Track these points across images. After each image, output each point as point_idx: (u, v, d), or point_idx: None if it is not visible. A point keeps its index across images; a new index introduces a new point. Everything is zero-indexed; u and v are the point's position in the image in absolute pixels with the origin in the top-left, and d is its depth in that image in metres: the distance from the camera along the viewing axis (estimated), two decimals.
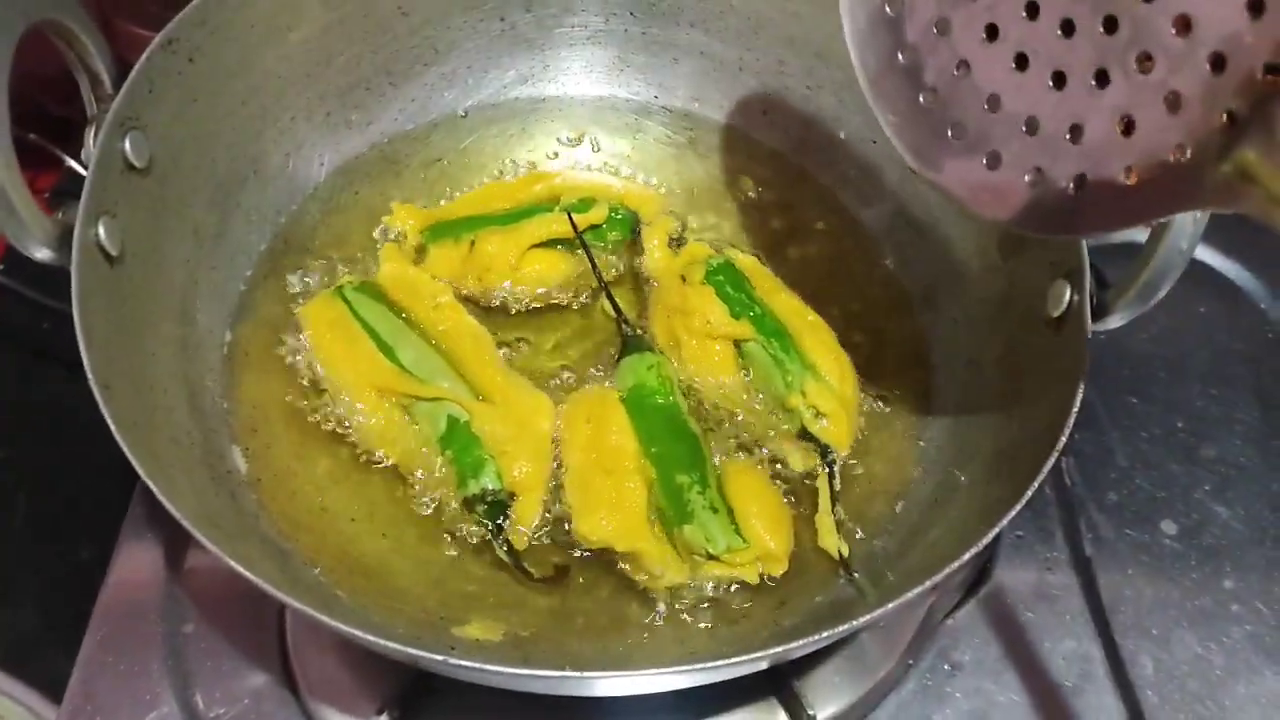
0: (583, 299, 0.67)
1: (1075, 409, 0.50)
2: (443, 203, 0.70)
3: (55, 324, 0.97)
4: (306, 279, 0.66)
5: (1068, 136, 0.45)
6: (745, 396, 0.63)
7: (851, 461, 0.62)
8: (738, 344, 0.64)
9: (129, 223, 0.54)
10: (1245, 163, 0.40)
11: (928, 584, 0.46)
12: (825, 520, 0.59)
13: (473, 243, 0.65)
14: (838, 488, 0.60)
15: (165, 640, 0.60)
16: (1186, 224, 0.49)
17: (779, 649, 0.44)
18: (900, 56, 0.51)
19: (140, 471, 0.45)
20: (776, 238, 0.71)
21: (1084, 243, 0.54)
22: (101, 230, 0.51)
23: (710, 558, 0.56)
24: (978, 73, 0.48)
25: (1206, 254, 0.84)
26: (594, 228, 0.67)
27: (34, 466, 0.89)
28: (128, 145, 0.54)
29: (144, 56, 0.55)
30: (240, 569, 0.43)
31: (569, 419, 0.60)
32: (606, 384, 0.63)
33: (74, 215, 0.50)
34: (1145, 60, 0.42)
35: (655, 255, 0.68)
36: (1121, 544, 0.69)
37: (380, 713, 0.56)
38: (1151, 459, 0.73)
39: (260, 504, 0.56)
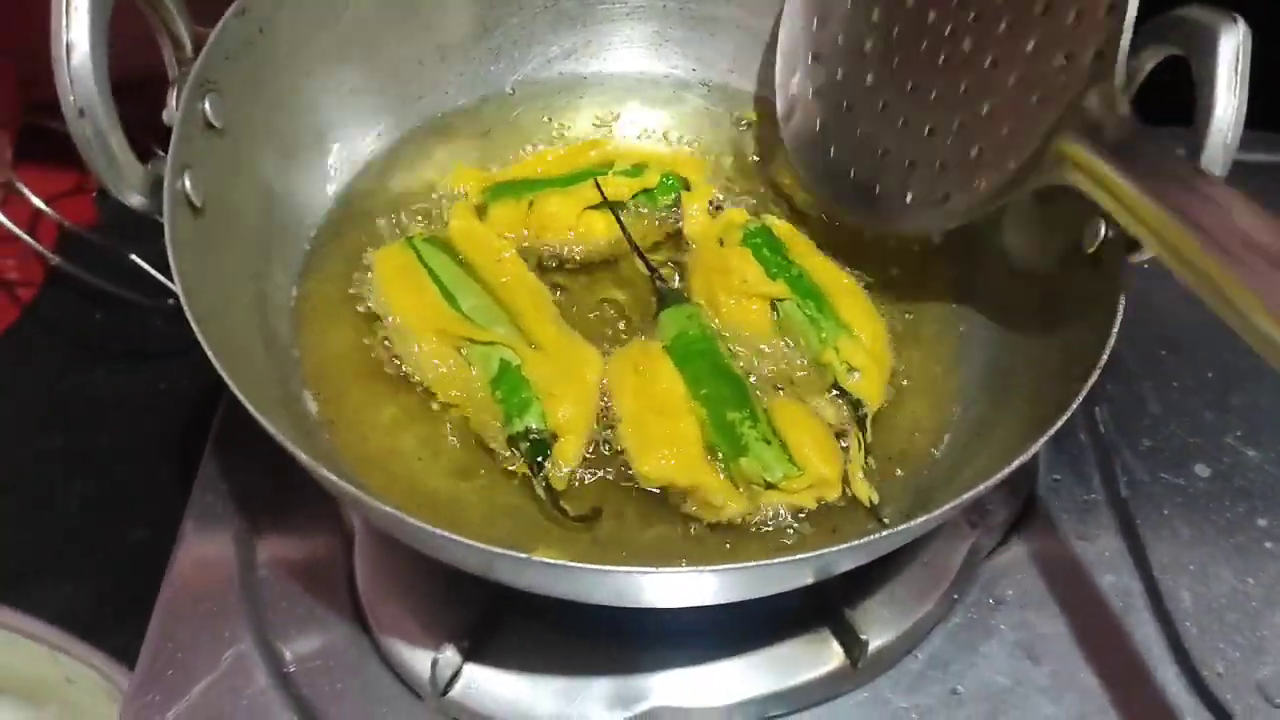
0: (635, 257, 0.70)
1: (1114, 334, 0.53)
2: (495, 169, 0.73)
3: (106, 315, 1.01)
4: (366, 240, 0.69)
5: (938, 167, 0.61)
6: (780, 353, 0.66)
7: (891, 405, 0.64)
8: (774, 304, 0.66)
9: (209, 178, 0.57)
10: (1065, 151, 0.51)
11: (968, 497, 0.48)
12: (857, 470, 0.61)
13: (531, 203, 0.69)
14: (869, 439, 0.62)
15: (241, 584, 0.63)
16: (1217, 153, 0.52)
17: (825, 551, 0.46)
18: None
19: (239, 394, 0.47)
20: (811, 200, 0.74)
21: None
22: (187, 182, 0.55)
23: (768, 487, 0.58)
24: (874, 134, 0.64)
25: None
26: (646, 191, 0.70)
27: (86, 453, 0.93)
28: (207, 106, 0.57)
29: (220, 25, 0.59)
30: (332, 478, 0.45)
31: (616, 371, 0.63)
32: (644, 339, 0.65)
33: (162, 168, 0.53)
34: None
35: (695, 219, 0.71)
36: (1157, 486, 0.71)
37: (449, 645, 0.58)
38: (1183, 407, 0.75)
39: (333, 444, 0.59)
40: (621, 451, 0.61)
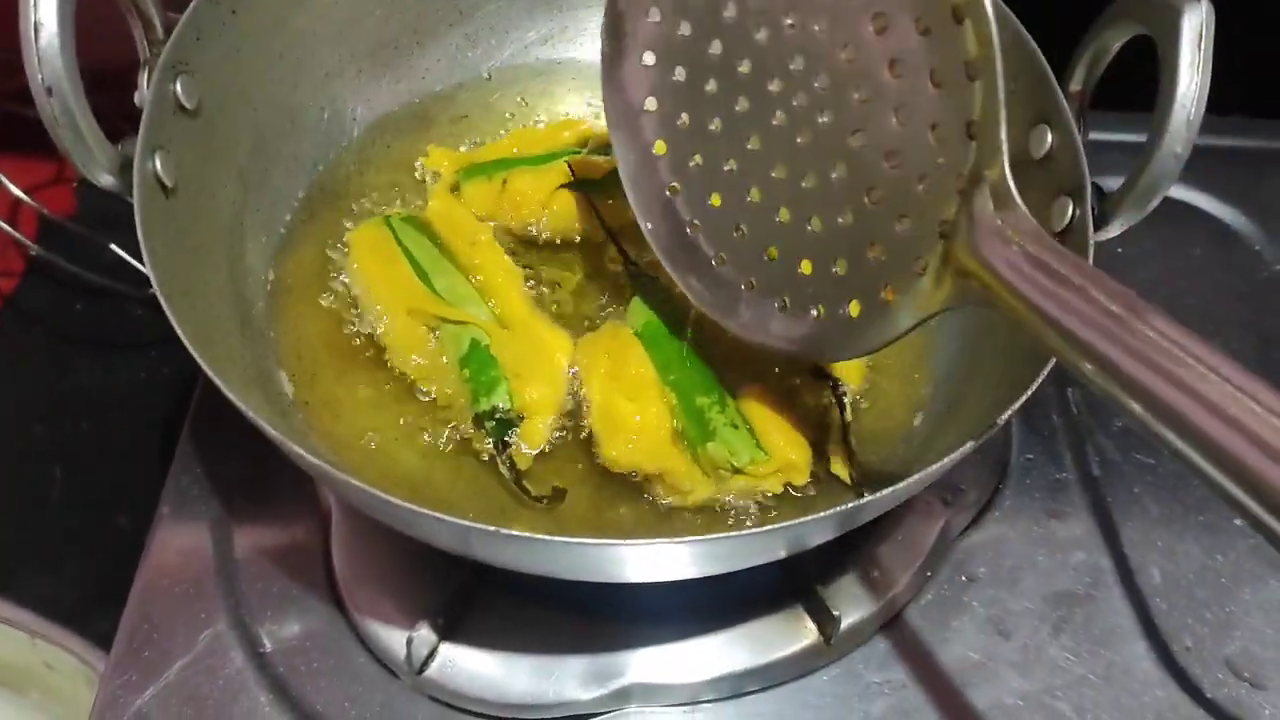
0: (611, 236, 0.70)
1: None
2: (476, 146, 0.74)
3: (86, 305, 1.01)
4: (344, 223, 0.69)
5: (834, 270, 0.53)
6: None
7: (867, 385, 0.65)
8: None
9: (181, 160, 0.57)
10: (958, 261, 0.46)
11: (936, 468, 0.49)
12: (837, 449, 0.61)
13: (504, 181, 0.69)
14: (849, 419, 0.63)
15: (217, 566, 0.63)
16: (1180, 129, 0.52)
17: (796, 523, 0.46)
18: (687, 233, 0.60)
19: (209, 372, 0.47)
20: None
21: (1084, 160, 0.57)
22: (158, 163, 0.55)
23: (735, 471, 0.59)
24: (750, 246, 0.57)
25: (1201, 199, 0.87)
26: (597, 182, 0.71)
27: (68, 442, 0.92)
28: (178, 87, 0.57)
29: (191, 6, 0.59)
30: (305, 454, 0.46)
31: (587, 355, 0.63)
32: (616, 323, 0.66)
33: (133, 148, 0.54)
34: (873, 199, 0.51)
35: None
36: (1128, 466, 0.71)
37: (424, 623, 0.58)
38: None
39: (308, 423, 0.59)
40: (591, 434, 0.61)
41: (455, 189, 0.70)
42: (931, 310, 0.49)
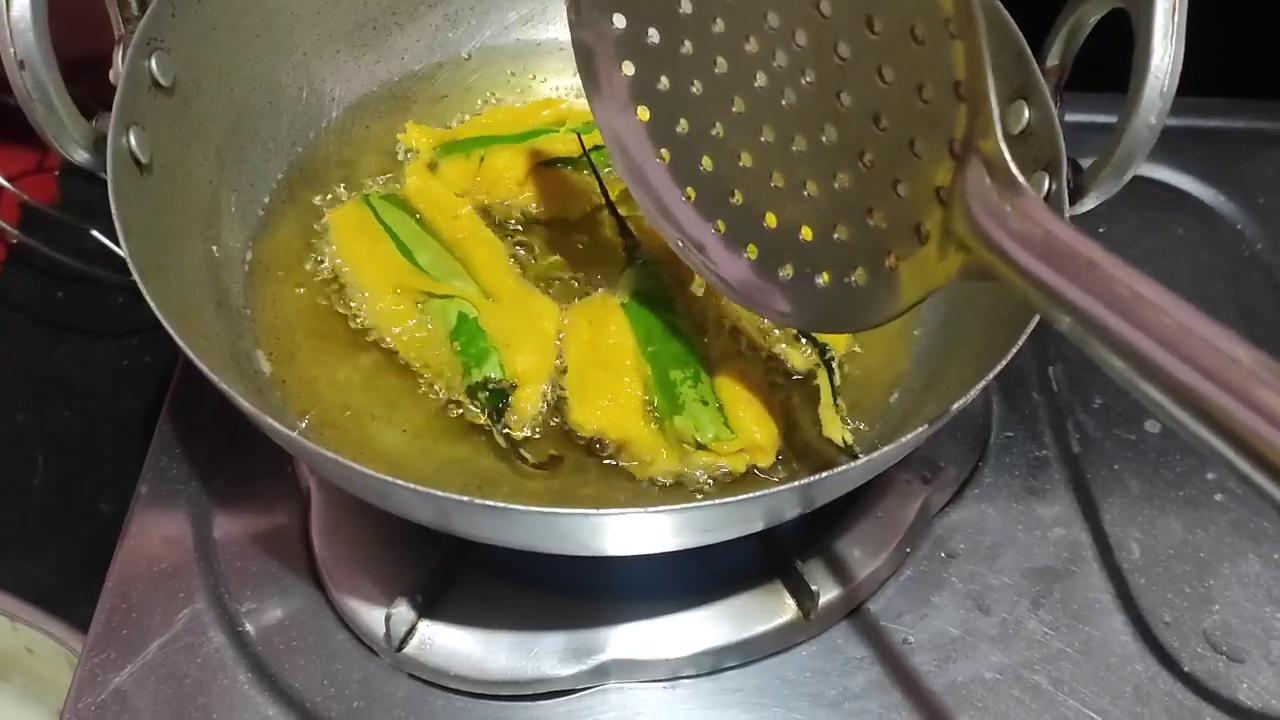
0: (586, 215, 0.71)
1: None
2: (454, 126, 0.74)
3: (68, 293, 1.00)
4: (322, 205, 0.69)
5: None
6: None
7: (846, 358, 0.65)
8: None
9: (156, 137, 0.57)
10: (957, 233, 0.44)
11: (910, 438, 0.49)
12: (828, 413, 0.61)
13: (482, 158, 0.69)
14: (838, 383, 0.63)
15: (196, 546, 0.63)
16: (1154, 99, 0.53)
17: (772, 491, 0.47)
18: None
19: (183, 347, 0.47)
20: None
21: (1060, 135, 0.57)
22: (132, 139, 0.54)
23: (699, 447, 0.59)
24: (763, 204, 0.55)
25: (1183, 180, 0.87)
26: (597, 148, 0.70)
27: (50, 429, 0.92)
28: (154, 64, 0.57)
29: None
30: (282, 430, 0.46)
31: (572, 323, 0.64)
32: (606, 292, 0.66)
33: (108, 124, 0.53)
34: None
35: None
36: (1108, 443, 0.72)
37: (403, 601, 0.58)
38: None
39: (285, 402, 0.59)
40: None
41: (433, 166, 0.70)
42: (937, 283, 0.47)
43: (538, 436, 0.61)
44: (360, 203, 0.67)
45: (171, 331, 0.47)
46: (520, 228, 0.70)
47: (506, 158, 0.69)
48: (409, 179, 0.69)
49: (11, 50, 0.49)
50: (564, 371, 0.62)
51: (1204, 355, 0.34)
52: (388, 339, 0.63)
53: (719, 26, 0.53)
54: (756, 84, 0.52)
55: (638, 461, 0.59)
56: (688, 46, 0.55)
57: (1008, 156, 0.42)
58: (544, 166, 0.70)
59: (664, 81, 0.57)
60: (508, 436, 0.59)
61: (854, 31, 0.47)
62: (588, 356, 0.61)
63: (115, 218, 0.50)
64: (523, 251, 0.69)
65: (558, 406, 0.62)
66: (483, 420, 0.60)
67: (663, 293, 0.64)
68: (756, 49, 0.52)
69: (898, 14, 0.45)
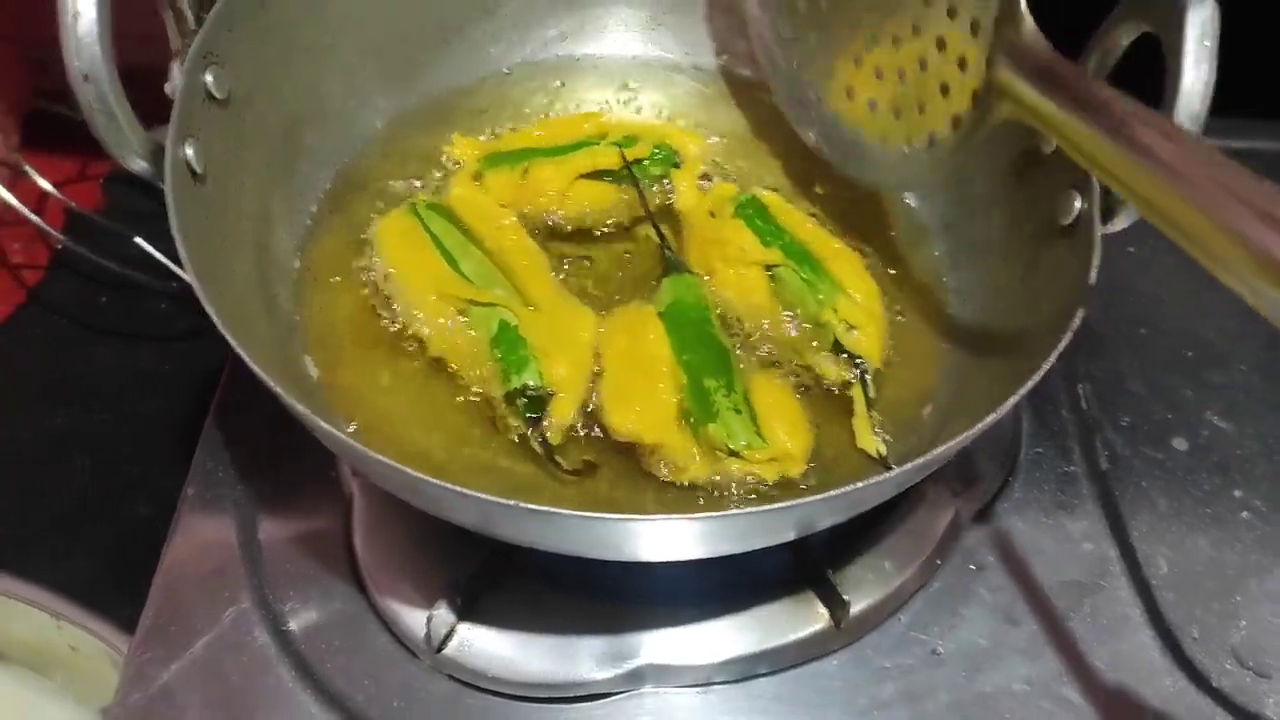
0: (625, 227, 0.72)
1: (1087, 299, 0.54)
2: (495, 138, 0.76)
3: (110, 298, 1.02)
4: (368, 213, 0.71)
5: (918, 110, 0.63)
6: (779, 316, 0.68)
7: (879, 372, 0.66)
8: (769, 269, 0.68)
9: (211, 148, 0.58)
10: (997, 80, 0.54)
11: (941, 451, 0.50)
12: (862, 423, 0.62)
13: (526, 170, 0.71)
14: (872, 394, 0.64)
15: (241, 547, 0.65)
16: (1186, 122, 0.53)
17: (806, 501, 0.48)
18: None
19: (237, 348, 0.49)
20: (803, 178, 0.76)
21: None
22: (189, 150, 0.56)
23: (731, 454, 0.60)
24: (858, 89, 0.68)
25: None
26: (637, 161, 0.73)
27: (91, 432, 0.94)
28: (209, 78, 0.59)
29: None
30: (332, 431, 0.47)
31: (609, 330, 0.65)
32: (642, 302, 0.67)
33: (164, 136, 0.55)
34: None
35: (685, 194, 0.73)
36: (1136, 460, 0.72)
37: (443, 604, 0.60)
38: (1163, 384, 0.76)
39: (332, 406, 0.61)
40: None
41: (478, 177, 0.72)
42: (984, 128, 0.57)
43: (571, 444, 0.62)
44: (407, 211, 0.68)
45: (228, 337, 0.49)
46: (562, 238, 0.72)
47: (550, 169, 0.71)
48: (454, 189, 0.70)
49: (76, 63, 0.51)
50: (599, 375, 0.64)
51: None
52: (429, 345, 0.64)
53: None
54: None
55: (671, 466, 0.60)
56: None
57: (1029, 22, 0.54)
58: (586, 178, 0.72)
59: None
60: (544, 443, 0.60)
61: None
62: (624, 362, 0.63)
63: (173, 227, 0.52)
64: (565, 263, 0.70)
65: (591, 415, 0.63)
66: (516, 425, 0.61)
67: (698, 303, 0.66)
68: None
69: None
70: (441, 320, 0.64)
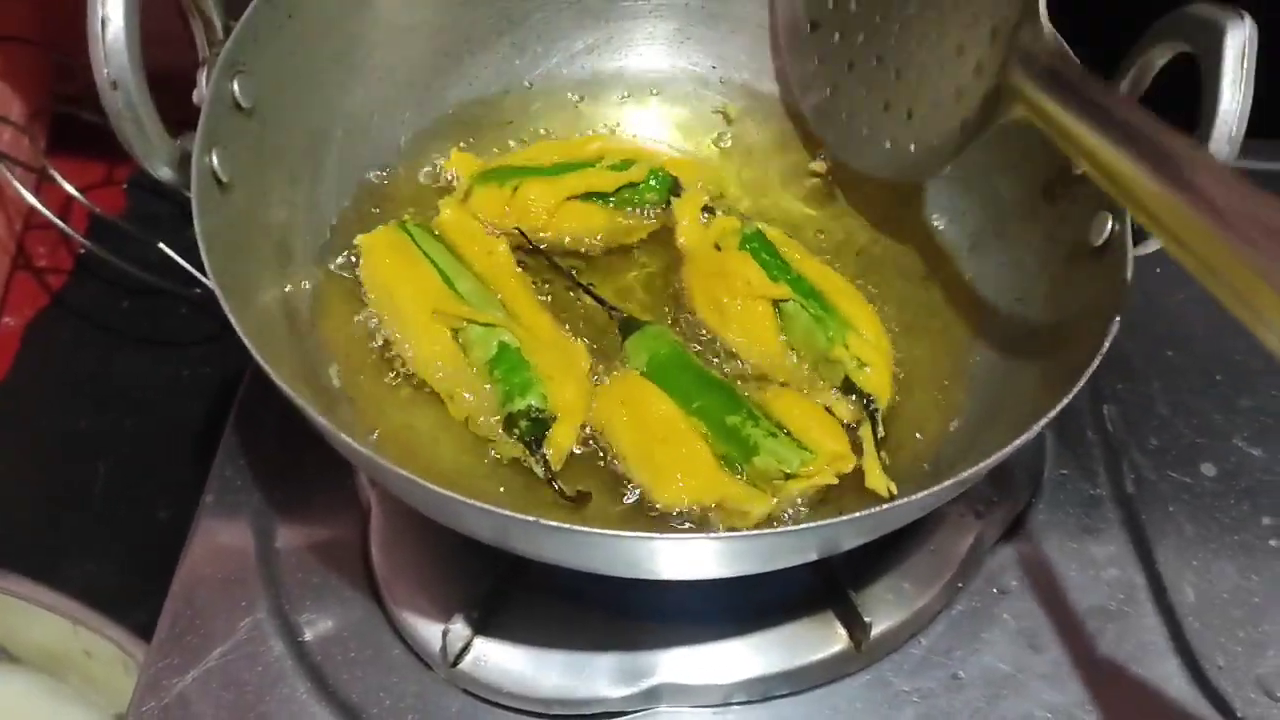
0: (615, 249, 0.72)
1: (1117, 321, 0.53)
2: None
3: (133, 303, 1.03)
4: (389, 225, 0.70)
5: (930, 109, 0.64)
6: (786, 353, 0.67)
7: (901, 398, 0.65)
8: (776, 305, 0.67)
9: (237, 157, 0.58)
10: (1012, 84, 0.55)
11: (969, 473, 0.49)
12: (872, 463, 0.61)
13: (515, 188, 0.70)
14: (881, 434, 0.63)
15: (259, 557, 0.65)
16: (1222, 143, 0.53)
17: (828, 523, 0.47)
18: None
19: (257, 356, 0.49)
20: (829, 199, 0.76)
21: None
22: (215, 158, 0.56)
23: (788, 478, 0.59)
24: (876, 91, 0.68)
25: None
26: (631, 186, 0.72)
27: (111, 436, 0.95)
28: (235, 87, 0.59)
29: (250, 8, 0.60)
30: (352, 444, 0.47)
31: (604, 410, 0.63)
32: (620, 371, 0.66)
33: (191, 143, 0.55)
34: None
35: (687, 226, 0.72)
36: (1163, 484, 0.71)
37: (459, 618, 0.59)
38: (1191, 408, 0.75)
39: (355, 418, 0.60)
40: (609, 457, 0.62)
41: (468, 194, 0.71)
42: (988, 125, 0.58)
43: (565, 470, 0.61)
44: (397, 228, 0.68)
45: (249, 345, 0.49)
46: (544, 260, 0.71)
47: (539, 189, 0.70)
48: (443, 211, 0.70)
49: (105, 71, 0.51)
50: (618, 457, 0.62)
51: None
52: (412, 364, 0.64)
53: None
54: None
55: (738, 514, 0.58)
56: None
57: (1047, 26, 0.54)
58: (577, 200, 0.71)
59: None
60: (546, 466, 0.59)
61: None
62: (640, 437, 0.61)
63: (198, 234, 0.52)
64: (542, 285, 0.70)
65: (594, 452, 0.62)
66: (508, 447, 0.61)
67: (674, 350, 0.65)
68: None
69: None
70: (433, 342, 0.63)
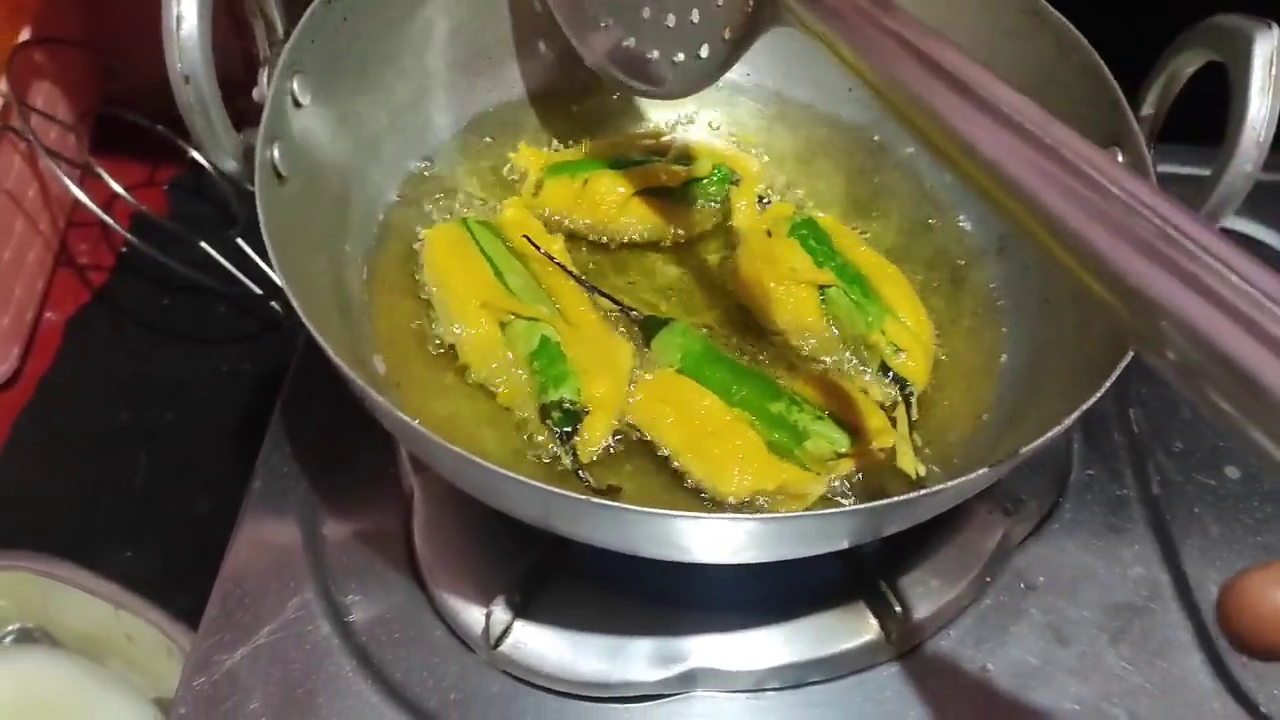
0: (680, 244, 0.75)
1: None
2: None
3: (173, 300, 1.05)
4: (434, 221, 0.72)
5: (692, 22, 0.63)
6: (827, 336, 0.69)
7: (932, 391, 0.67)
8: (820, 290, 0.69)
9: (294, 152, 0.60)
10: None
11: (1005, 465, 0.51)
12: (904, 445, 0.63)
13: (586, 181, 0.73)
14: (915, 417, 0.65)
15: (305, 540, 0.66)
16: (1250, 151, 0.54)
17: (861, 507, 0.49)
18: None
19: (319, 339, 0.50)
20: (859, 201, 0.77)
21: (1153, 182, 0.59)
22: (275, 152, 0.58)
23: (840, 457, 0.61)
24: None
25: (1266, 234, 0.88)
26: (697, 180, 0.74)
27: (152, 430, 0.97)
28: (295, 85, 0.61)
29: (309, 11, 0.62)
30: (405, 420, 0.49)
31: (646, 410, 0.64)
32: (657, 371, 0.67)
33: (254, 138, 0.57)
34: None
35: (743, 212, 0.75)
36: (1189, 486, 0.73)
37: (500, 601, 0.61)
38: None
39: (401, 404, 0.62)
40: (645, 442, 0.63)
41: (539, 186, 0.74)
42: (754, 36, 0.60)
43: (597, 465, 0.62)
44: (459, 224, 0.70)
45: (314, 333, 0.50)
46: (613, 249, 0.74)
47: (608, 182, 0.72)
48: (506, 211, 0.72)
49: (179, 66, 0.53)
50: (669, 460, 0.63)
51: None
52: (460, 353, 0.66)
53: None
54: None
55: (795, 498, 0.60)
56: None
57: None
58: (644, 194, 0.73)
59: None
60: (574, 458, 0.61)
61: None
62: (689, 433, 0.62)
63: (263, 226, 0.54)
64: (611, 277, 0.72)
65: (630, 447, 0.64)
66: (543, 440, 0.62)
67: (703, 343, 0.66)
68: None
69: None
70: (480, 332, 0.65)
